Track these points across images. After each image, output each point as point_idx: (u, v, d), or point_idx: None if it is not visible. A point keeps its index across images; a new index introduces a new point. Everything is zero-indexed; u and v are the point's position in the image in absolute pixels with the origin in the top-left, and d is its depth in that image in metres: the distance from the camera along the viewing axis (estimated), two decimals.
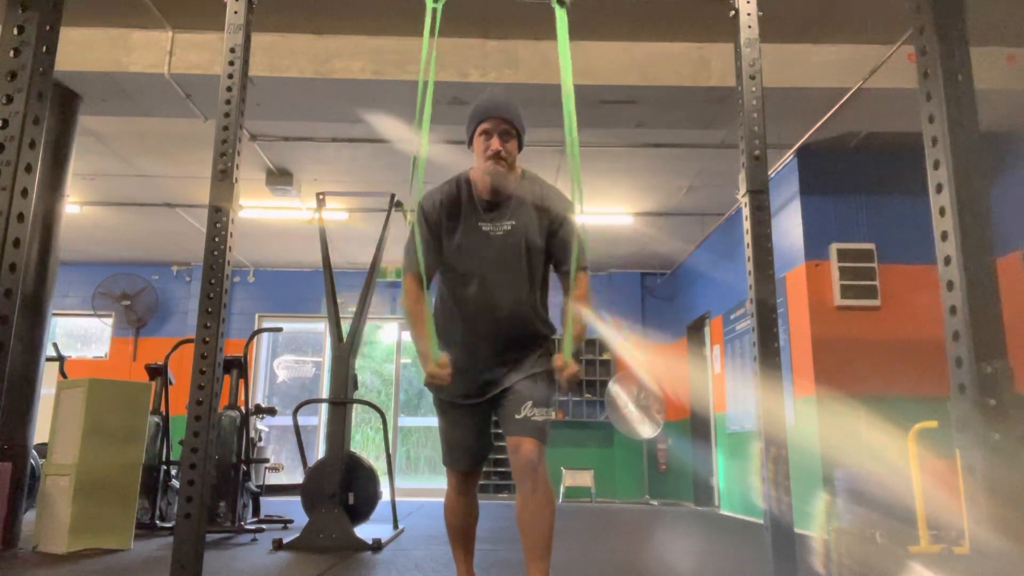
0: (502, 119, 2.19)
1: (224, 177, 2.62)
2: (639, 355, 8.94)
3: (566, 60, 2.26)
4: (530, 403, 2.14)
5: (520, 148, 2.27)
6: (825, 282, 5.48)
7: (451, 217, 2.25)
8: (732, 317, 7.07)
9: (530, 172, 2.32)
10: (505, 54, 4.49)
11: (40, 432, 4.30)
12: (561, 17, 2.32)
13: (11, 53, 1.54)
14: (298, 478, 4.92)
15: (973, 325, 1.50)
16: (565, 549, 4.21)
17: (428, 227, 2.24)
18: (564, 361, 2.13)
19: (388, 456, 4.96)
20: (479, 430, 2.30)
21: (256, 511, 5.33)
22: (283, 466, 8.77)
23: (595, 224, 7.54)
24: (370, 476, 4.59)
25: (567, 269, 2.21)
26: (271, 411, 5.71)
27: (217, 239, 2.59)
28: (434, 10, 2.33)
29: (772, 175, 5.79)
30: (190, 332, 4.01)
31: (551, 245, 2.26)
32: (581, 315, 2.18)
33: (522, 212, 2.23)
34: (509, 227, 2.22)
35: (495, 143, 2.17)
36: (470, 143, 2.28)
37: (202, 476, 2.40)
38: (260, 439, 5.89)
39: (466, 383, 2.23)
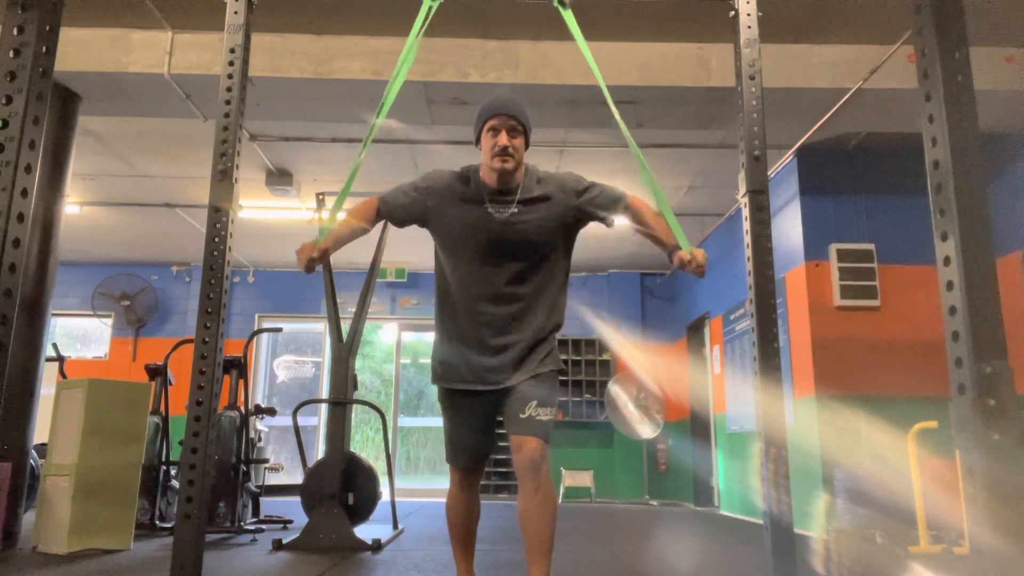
0: (509, 116, 2.21)
1: (224, 177, 2.62)
2: (639, 355, 8.94)
3: (589, 58, 2.28)
4: (534, 402, 2.14)
5: (527, 147, 2.29)
6: (825, 282, 5.48)
7: (456, 197, 2.26)
8: (732, 317, 7.07)
9: (535, 167, 2.33)
10: (505, 54, 4.49)
11: (40, 432, 4.30)
12: (569, 18, 2.33)
13: (11, 53, 1.54)
14: (298, 478, 4.92)
15: (973, 325, 1.50)
16: (565, 549, 4.21)
17: (426, 194, 2.27)
18: (690, 252, 2.15)
19: (388, 456, 4.96)
20: (482, 427, 2.30)
21: (256, 511, 5.33)
22: (283, 466, 8.76)
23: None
24: (370, 476, 4.58)
25: (623, 205, 2.27)
26: (271, 411, 5.70)
27: (217, 239, 2.60)
28: (430, 8, 2.33)
29: (772, 175, 5.79)
30: (190, 332, 4.01)
31: (587, 210, 2.29)
32: (658, 219, 2.24)
33: (530, 202, 2.24)
34: (516, 210, 2.23)
35: (502, 138, 2.19)
36: (477, 141, 2.29)
37: (202, 476, 2.40)
38: (260, 439, 5.89)
39: (464, 368, 2.24)
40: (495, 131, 2.21)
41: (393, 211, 2.31)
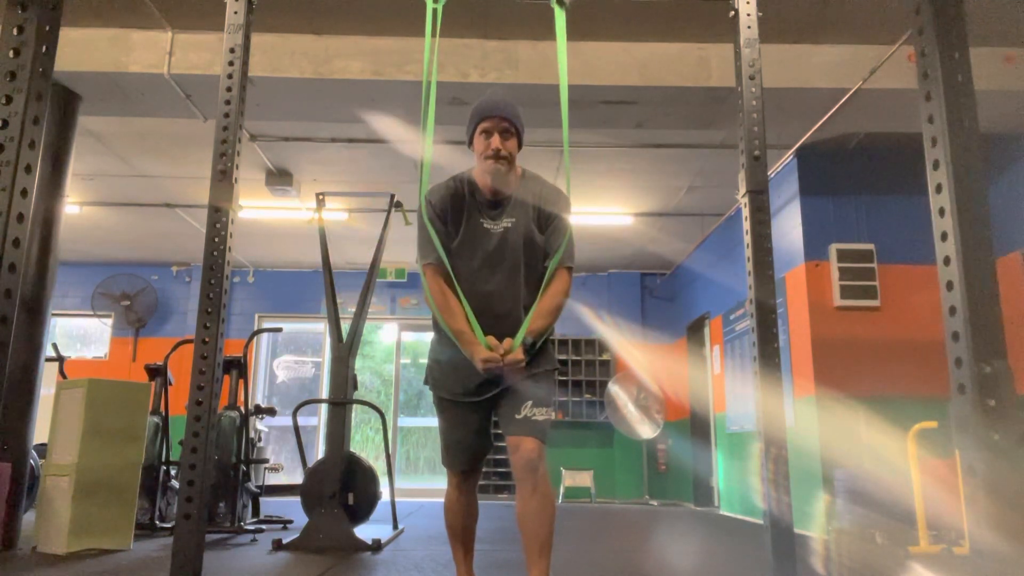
0: (501, 118, 2.20)
1: (224, 177, 2.62)
2: (639, 355, 8.94)
3: (563, 61, 2.27)
4: (530, 402, 2.14)
5: (520, 147, 2.28)
6: (825, 282, 5.47)
7: (454, 212, 2.26)
8: (732, 317, 7.07)
9: (531, 172, 2.33)
10: (505, 54, 4.49)
11: (40, 432, 4.30)
12: (560, 18, 2.33)
13: (11, 53, 1.54)
14: (298, 478, 4.93)
15: (973, 325, 1.50)
16: (565, 549, 4.21)
17: (438, 217, 2.25)
18: (510, 346, 2.10)
19: (388, 456, 4.96)
20: (478, 429, 2.30)
21: (256, 511, 5.33)
22: (283, 466, 8.77)
23: (595, 224, 7.54)
24: (370, 476, 4.58)
25: (554, 265, 2.22)
26: (271, 411, 5.70)
27: (217, 239, 2.59)
28: (434, 10, 2.33)
29: (772, 175, 5.79)
30: (190, 332, 4.01)
31: (542, 229, 2.26)
32: (547, 311, 2.18)
33: (521, 210, 2.24)
34: (509, 224, 2.23)
35: (495, 141, 2.19)
36: (470, 143, 2.29)
37: (202, 476, 2.40)
38: (260, 439, 5.89)
39: (465, 381, 2.23)
40: (487, 133, 2.21)
41: (444, 252, 2.21)
